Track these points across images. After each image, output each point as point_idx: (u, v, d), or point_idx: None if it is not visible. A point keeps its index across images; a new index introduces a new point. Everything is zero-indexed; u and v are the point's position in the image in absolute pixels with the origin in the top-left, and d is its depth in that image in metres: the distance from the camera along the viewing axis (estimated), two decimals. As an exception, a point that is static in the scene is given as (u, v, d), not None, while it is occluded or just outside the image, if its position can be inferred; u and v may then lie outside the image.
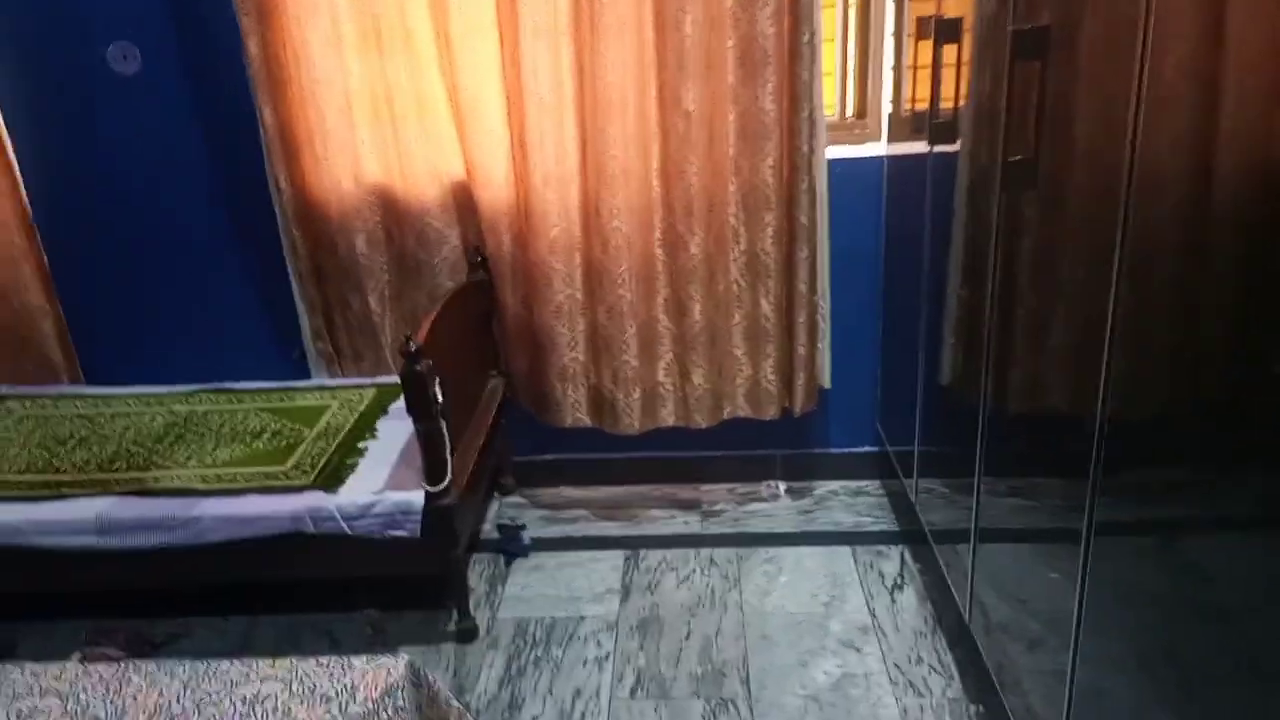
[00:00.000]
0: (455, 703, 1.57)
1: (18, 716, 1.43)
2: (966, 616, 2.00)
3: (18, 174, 2.79)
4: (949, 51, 1.98)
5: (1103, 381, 1.26)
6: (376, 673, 1.45)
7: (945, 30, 1.96)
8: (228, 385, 2.92)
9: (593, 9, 2.41)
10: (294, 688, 1.43)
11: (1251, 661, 1.05)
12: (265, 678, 1.45)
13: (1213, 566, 1.16)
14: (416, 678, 1.51)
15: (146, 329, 2.98)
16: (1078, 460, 1.33)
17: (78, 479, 2.38)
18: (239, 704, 1.40)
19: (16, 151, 2.77)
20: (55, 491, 2.33)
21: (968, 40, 1.93)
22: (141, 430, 2.64)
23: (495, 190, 2.64)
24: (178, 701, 1.42)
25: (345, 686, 1.42)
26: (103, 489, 2.32)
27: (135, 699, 1.43)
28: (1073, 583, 1.41)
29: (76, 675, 1.49)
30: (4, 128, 2.74)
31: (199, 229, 2.85)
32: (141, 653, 2.37)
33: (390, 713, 1.41)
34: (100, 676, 1.49)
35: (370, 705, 1.39)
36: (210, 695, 1.42)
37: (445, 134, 2.63)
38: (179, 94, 2.72)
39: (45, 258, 2.88)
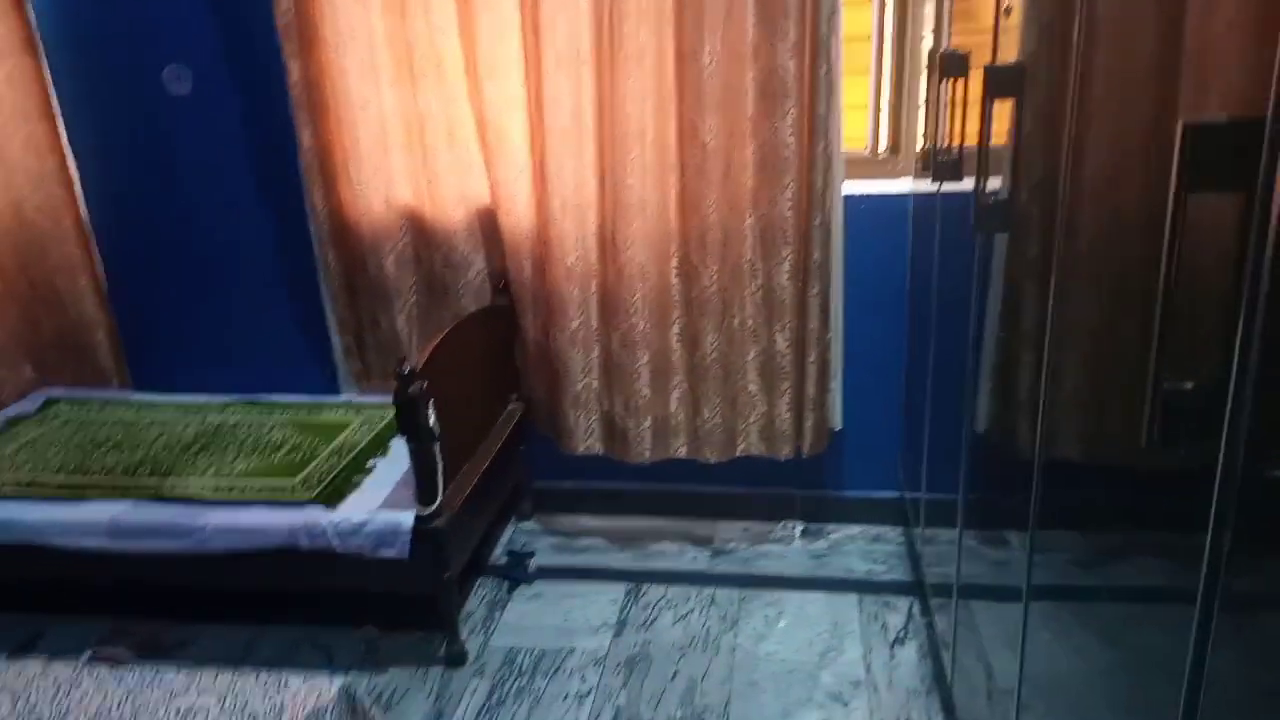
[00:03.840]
0: (392, 728, 1.57)
1: (-25, 710, 1.49)
2: (949, 677, 1.90)
3: (78, 190, 2.95)
4: (958, 87, 1.91)
5: (1038, 431, 1.18)
6: (308, 695, 1.46)
7: (951, 65, 1.90)
8: (262, 397, 3.01)
9: (613, 41, 2.43)
10: (227, 703, 1.45)
11: None
12: (204, 690, 1.48)
13: (1139, 625, 1.07)
14: (352, 702, 1.52)
15: (193, 340, 3.11)
16: (1021, 514, 1.25)
17: (100, 483, 2.49)
18: (173, 714, 1.43)
19: (79, 168, 2.94)
20: (78, 494, 2.43)
21: (976, 77, 1.86)
22: (172, 438, 2.74)
23: (518, 217, 2.66)
24: (118, 707, 1.46)
25: (274, 706, 1.44)
26: (121, 494, 2.42)
27: (80, 702, 1.48)
28: (1016, 645, 1.33)
29: (33, 675, 1.55)
30: (67, 145, 2.91)
31: (244, 245, 2.96)
32: (150, 655, 2.45)
33: (314, 735, 1.42)
34: (55, 678, 1.54)
35: (293, 726, 1.40)
36: (148, 703, 1.46)
37: (473, 161, 2.68)
38: (227, 115, 2.84)
39: (102, 270, 3.04)
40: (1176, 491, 0.84)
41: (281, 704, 1.44)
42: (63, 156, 2.91)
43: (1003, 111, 1.48)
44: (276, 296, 3.01)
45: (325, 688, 1.48)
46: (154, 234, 3.00)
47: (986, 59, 1.80)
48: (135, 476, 2.51)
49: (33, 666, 1.58)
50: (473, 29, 2.54)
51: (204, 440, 2.72)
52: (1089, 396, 1.12)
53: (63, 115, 2.90)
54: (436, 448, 2.18)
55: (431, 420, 2.15)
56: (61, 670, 1.56)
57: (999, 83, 1.43)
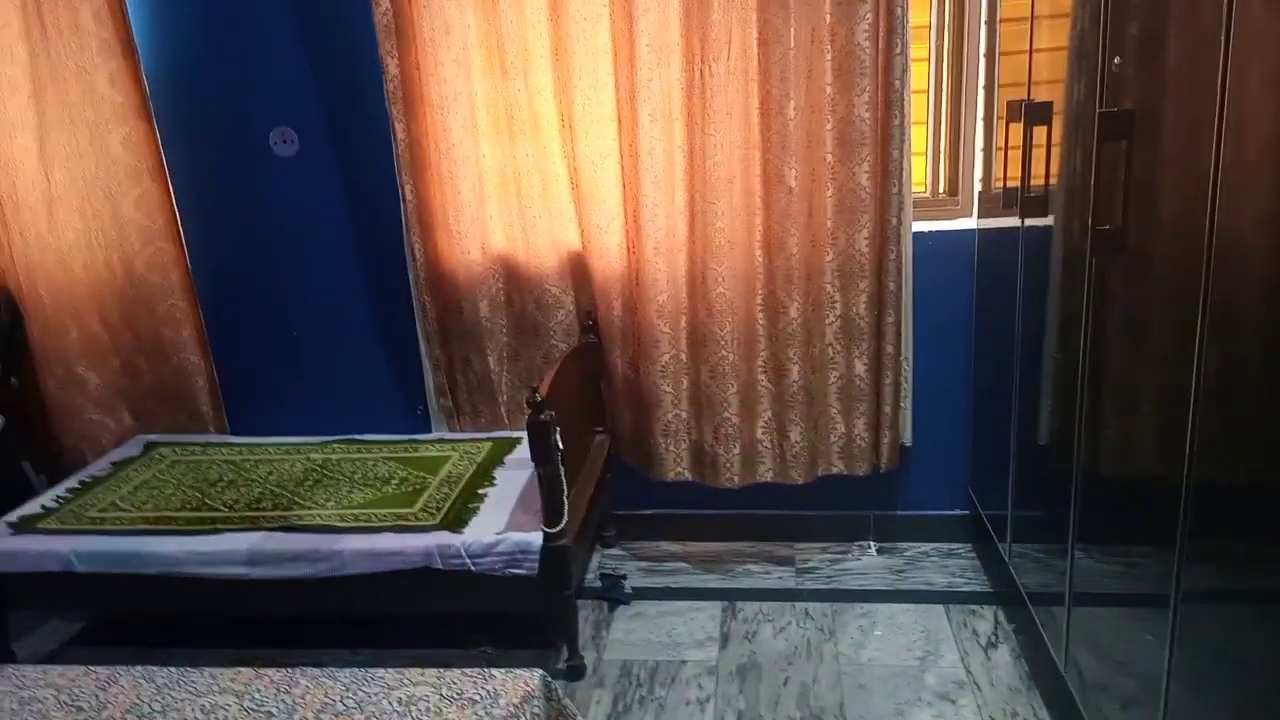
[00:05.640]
0: (581, 718, 1.72)
1: (201, 711, 1.63)
2: (1063, 673, 2.06)
3: (184, 245, 3.13)
4: (1039, 133, 2.14)
5: (1188, 447, 1.36)
6: (515, 682, 1.61)
7: (1035, 113, 2.12)
8: (357, 437, 3.17)
9: (704, 97, 2.65)
10: (443, 692, 1.60)
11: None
12: (417, 683, 1.63)
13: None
14: (549, 691, 1.66)
15: (287, 385, 3.27)
16: (1166, 526, 1.43)
17: (229, 516, 2.63)
18: (395, 704, 1.58)
19: (184, 225, 3.12)
20: (210, 527, 2.58)
21: (1057, 123, 2.09)
22: (283, 475, 2.89)
23: (609, 260, 2.86)
24: (341, 701, 1.60)
25: (489, 692, 1.58)
26: (252, 525, 2.57)
27: (304, 698, 1.62)
28: (1164, 646, 1.49)
29: (249, 679, 1.69)
30: (175, 204, 3.09)
31: (340, 295, 3.15)
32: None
33: (527, 718, 1.56)
34: (270, 679, 1.68)
35: (511, 709, 1.55)
36: (370, 696, 1.60)
37: (565, 210, 2.88)
38: (330, 173, 3.04)
39: (204, 320, 3.20)
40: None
41: (494, 690, 1.58)
42: (172, 214, 3.09)
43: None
44: (372, 342, 3.19)
45: (528, 677, 1.63)
46: (255, 286, 3.18)
47: (1062, 107, 2.03)
48: (259, 510, 2.66)
49: (246, 671, 1.72)
50: (569, 90, 2.76)
51: (315, 476, 2.87)
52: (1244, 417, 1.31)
53: (171, 175, 3.08)
54: (563, 471, 2.35)
55: (560, 444, 2.32)
56: (275, 673, 1.70)
57: (1112, 127, 1.64)
